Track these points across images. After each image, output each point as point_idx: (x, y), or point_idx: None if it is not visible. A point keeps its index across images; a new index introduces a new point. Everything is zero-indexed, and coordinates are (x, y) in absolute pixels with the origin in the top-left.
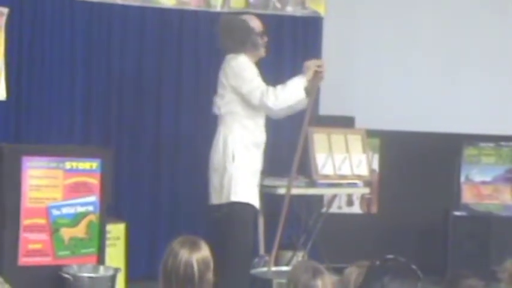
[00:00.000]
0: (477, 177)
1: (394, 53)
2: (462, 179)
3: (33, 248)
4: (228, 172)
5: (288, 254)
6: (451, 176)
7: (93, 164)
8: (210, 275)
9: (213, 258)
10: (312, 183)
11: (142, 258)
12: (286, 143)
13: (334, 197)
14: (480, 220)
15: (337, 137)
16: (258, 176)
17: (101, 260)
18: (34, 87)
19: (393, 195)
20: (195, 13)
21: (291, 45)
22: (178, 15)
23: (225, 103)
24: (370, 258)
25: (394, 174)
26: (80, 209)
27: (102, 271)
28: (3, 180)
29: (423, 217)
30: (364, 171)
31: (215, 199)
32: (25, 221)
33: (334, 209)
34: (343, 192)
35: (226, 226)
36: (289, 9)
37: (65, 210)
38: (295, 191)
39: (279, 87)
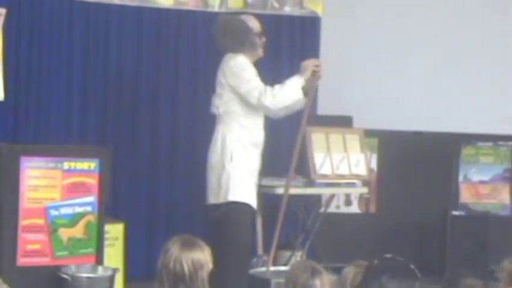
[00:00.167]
0: (475, 177)
1: (392, 52)
2: (460, 178)
3: (31, 248)
4: (226, 172)
5: (287, 253)
6: (449, 176)
7: (91, 164)
8: (202, 275)
9: (211, 259)
10: (310, 183)
11: (141, 258)
12: (284, 142)
13: (332, 196)
14: (478, 219)
15: (335, 137)
16: (256, 176)
17: (99, 260)
18: (32, 88)
19: (391, 194)
20: (192, 13)
21: (289, 45)
22: (176, 15)
23: (223, 102)
24: (368, 257)
25: (392, 174)
26: (78, 209)
27: (100, 271)
28: (1, 181)
29: (421, 216)
30: (362, 170)
31: (213, 199)
32: (23, 222)
33: (332, 209)
34: (341, 191)
35: (224, 226)
36: (287, 9)
37: (63, 211)
38: (293, 190)
39: (276, 87)
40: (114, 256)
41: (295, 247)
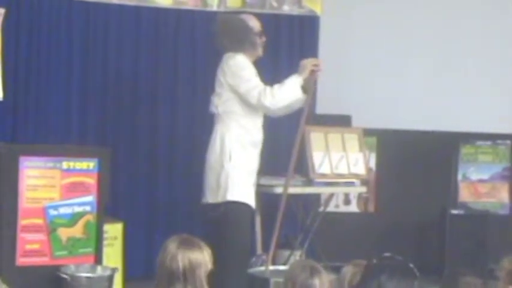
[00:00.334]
0: (474, 176)
1: (391, 52)
2: (459, 177)
3: (30, 248)
4: (225, 171)
5: (286, 253)
6: (448, 175)
7: (90, 164)
8: (200, 274)
9: (211, 259)
10: (309, 182)
11: (140, 258)
12: (283, 142)
13: (331, 195)
14: (477, 218)
15: (334, 136)
16: (254, 176)
17: (98, 259)
18: (31, 87)
19: (390, 194)
20: (191, 12)
21: (288, 44)
22: (175, 14)
23: (222, 102)
24: (367, 257)
25: (391, 173)
26: (77, 209)
27: (99, 271)
28: (0, 181)
29: (420, 215)
30: (361, 170)
31: (211, 198)
32: (22, 221)
33: (331, 208)
34: (340, 191)
35: (223, 225)
36: (286, 8)
37: (62, 210)
38: (292, 190)
39: (276, 86)
40: (113, 256)
41: (294, 246)
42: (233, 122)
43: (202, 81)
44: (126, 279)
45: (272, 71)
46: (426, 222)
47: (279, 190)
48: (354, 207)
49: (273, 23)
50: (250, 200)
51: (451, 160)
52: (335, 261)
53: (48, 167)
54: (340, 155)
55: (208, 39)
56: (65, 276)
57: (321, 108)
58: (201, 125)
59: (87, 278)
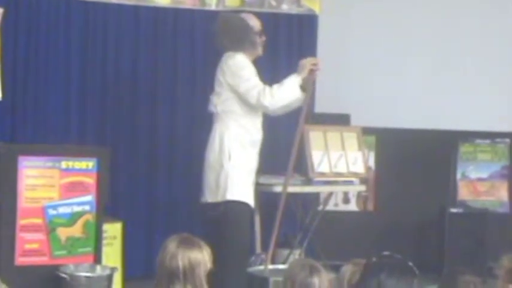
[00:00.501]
0: (473, 174)
1: (390, 50)
2: (458, 175)
3: (29, 247)
4: (225, 171)
5: (285, 252)
6: (447, 173)
7: (89, 164)
8: (199, 273)
9: (211, 258)
10: (308, 181)
11: (139, 258)
12: (282, 141)
13: (330, 194)
14: (476, 217)
15: (333, 135)
16: (254, 175)
17: (97, 259)
18: (30, 87)
19: (389, 192)
20: (190, 12)
21: (286, 43)
22: (173, 13)
23: (221, 101)
24: (367, 255)
25: (390, 172)
26: (77, 209)
27: (99, 270)
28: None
29: (420, 214)
30: (360, 168)
31: (210, 198)
32: (21, 221)
33: (330, 207)
34: (339, 189)
35: (223, 225)
36: (285, 7)
37: (61, 210)
38: (291, 188)
39: (275, 86)
40: (112, 255)
41: (294, 245)
42: (232, 122)
43: (201, 81)
44: (125, 279)
45: (271, 70)
46: (425, 220)
47: (278, 189)
48: (353, 206)
49: (272, 22)
50: (250, 199)
51: (450, 159)
52: (334, 260)
53: (47, 166)
54: (339, 153)
55: (207, 38)
56: (64, 275)
57: (320, 107)
58: (200, 125)
59: (87, 277)
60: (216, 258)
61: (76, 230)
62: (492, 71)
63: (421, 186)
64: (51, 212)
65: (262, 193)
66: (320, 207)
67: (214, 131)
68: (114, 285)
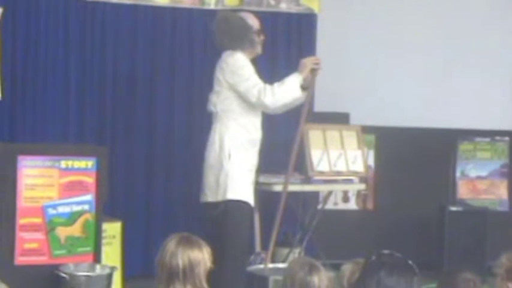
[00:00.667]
0: (473, 173)
1: (389, 49)
2: (458, 174)
3: (29, 247)
4: (225, 170)
5: (285, 250)
6: (447, 172)
7: (88, 163)
8: (199, 272)
9: (210, 257)
10: (308, 180)
11: (139, 257)
12: (281, 140)
13: (330, 193)
14: (476, 215)
15: (332, 134)
16: (253, 174)
17: (97, 258)
18: (28, 87)
19: (389, 191)
20: (188, 11)
21: (285, 42)
22: (172, 12)
23: (221, 100)
24: (366, 254)
25: (390, 170)
26: (76, 208)
27: (98, 270)
28: None
29: (419, 213)
30: (359, 167)
31: (211, 197)
32: (21, 221)
33: (330, 206)
34: (338, 188)
35: (223, 224)
36: (283, 6)
37: (60, 209)
38: (290, 187)
39: (276, 85)
40: (111, 254)
41: (293, 244)
42: (232, 121)
43: (199, 80)
44: (125, 278)
45: (270, 69)
46: (425, 219)
47: (277, 188)
48: (352, 205)
49: (271, 21)
50: (250, 198)
51: (450, 157)
52: (334, 258)
53: (47, 166)
54: (339, 152)
55: (206, 37)
56: (63, 275)
57: (319, 106)
58: (198, 124)
59: (86, 276)
60: (216, 257)
61: (75, 230)
62: (491, 69)
63: (420, 185)
64: (51, 211)
65: (262, 192)
66: (320, 206)
67: (214, 130)
68: (114, 284)
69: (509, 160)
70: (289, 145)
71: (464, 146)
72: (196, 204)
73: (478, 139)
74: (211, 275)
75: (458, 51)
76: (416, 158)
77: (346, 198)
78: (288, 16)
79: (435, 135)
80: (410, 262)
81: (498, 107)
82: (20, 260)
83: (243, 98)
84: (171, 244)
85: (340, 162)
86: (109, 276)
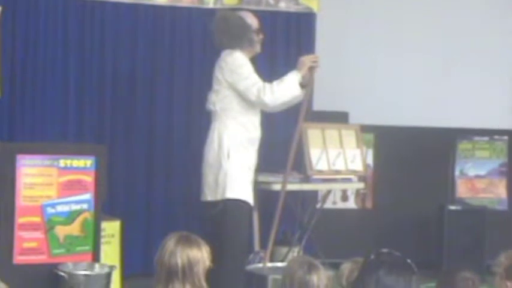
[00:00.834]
0: (471, 172)
1: (387, 48)
2: (456, 173)
3: (28, 246)
4: (224, 169)
5: (283, 249)
6: (446, 171)
7: (87, 162)
8: (198, 271)
9: (209, 256)
10: (307, 179)
11: (138, 256)
12: (280, 138)
13: (328, 192)
14: (475, 214)
15: (331, 133)
16: (252, 173)
17: (96, 257)
18: (28, 86)
19: (388, 190)
20: (188, 10)
21: (284, 41)
22: (171, 12)
23: (220, 99)
24: (365, 253)
25: (389, 169)
26: (75, 207)
27: (97, 268)
28: None
29: (418, 212)
30: (358, 166)
31: (210, 196)
32: (20, 220)
33: (328, 205)
34: (337, 187)
35: (222, 223)
36: (282, 5)
37: (59, 208)
38: (289, 186)
39: (275, 83)
40: (110, 253)
41: (292, 243)
42: (231, 120)
43: (199, 79)
44: (124, 277)
45: (269, 68)
46: (424, 218)
47: (276, 187)
48: (351, 204)
49: (270, 20)
50: (249, 197)
51: (449, 156)
52: (333, 257)
53: (46, 165)
54: (338, 151)
55: (205, 36)
56: (62, 274)
57: (318, 105)
58: (198, 123)
59: (85, 275)
60: (215, 256)
61: (74, 229)
62: (490, 68)
63: (419, 184)
64: (50, 210)
65: (260, 191)
66: (318, 205)
67: (213, 129)
68: (113, 283)
69: (508, 159)
70: (288, 144)
71: (463, 145)
72: (196, 203)
73: (476, 138)
74: (210, 274)
75: (457, 50)
76: (415, 157)
77: (345, 197)
78: (287, 15)
79: (434, 134)
80: (409, 261)
81: (497, 106)
82: (19, 259)
83: (242, 97)
84: (170, 243)
85: (339, 161)
86: (108, 275)
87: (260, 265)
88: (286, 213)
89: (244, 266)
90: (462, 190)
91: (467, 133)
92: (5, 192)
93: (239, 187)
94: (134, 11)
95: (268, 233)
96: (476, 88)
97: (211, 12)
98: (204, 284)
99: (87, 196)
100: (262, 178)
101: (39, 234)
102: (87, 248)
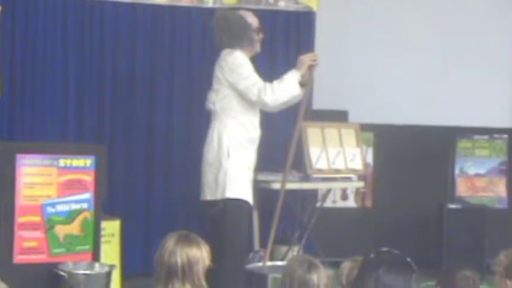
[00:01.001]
0: (471, 170)
1: (387, 47)
2: (456, 172)
3: (28, 245)
4: (223, 168)
5: (283, 248)
6: (445, 169)
7: (87, 161)
8: (198, 270)
9: (209, 256)
10: (306, 178)
11: (137, 255)
12: (280, 137)
13: (328, 191)
14: (475, 213)
15: (331, 131)
16: (252, 172)
17: (96, 256)
18: (27, 85)
19: (388, 188)
20: (187, 9)
21: (284, 40)
22: (171, 11)
23: (220, 99)
24: (365, 252)
25: (389, 168)
26: (75, 206)
27: (97, 268)
28: None
29: (418, 210)
30: (358, 165)
31: (210, 195)
32: (20, 219)
33: (328, 203)
34: (337, 186)
35: (222, 222)
36: (282, 4)
37: (59, 208)
38: (289, 185)
39: (275, 83)
40: (110, 253)
41: (292, 242)
42: (230, 119)
43: (198, 78)
44: (124, 276)
45: (269, 67)
46: (424, 216)
47: (276, 186)
48: (351, 203)
49: (269, 19)
50: (249, 196)
51: (448, 155)
52: (333, 256)
53: (45, 164)
54: (337, 150)
55: (204, 35)
56: (62, 273)
57: (318, 104)
58: (197, 122)
59: (85, 275)
60: (215, 255)
61: (74, 228)
62: (490, 67)
63: (419, 183)
64: (50, 210)
65: (260, 190)
66: (318, 204)
67: (213, 129)
68: (113, 282)
69: (508, 158)
70: (288, 143)
71: (463, 144)
72: (196, 203)
73: (476, 137)
74: (210, 273)
75: (457, 49)
76: (415, 156)
77: (344, 196)
78: (287, 14)
79: (434, 132)
80: (408, 260)
81: (497, 105)
82: (19, 258)
83: (242, 96)
84: (170, 242)
85: (338, 160)
86: (108, 275)
87: (260, 264)
88: (286, 212)
89: (244, 265)
90: (462, 189)
91: (467, 132)
92: (5, 192)
93: (239, 187)
94: (133, 11)
95: (268, 232)
96: (476, 87)
97: (211, 11)
98: (203, 283)
99: (87, 196)
100: (262, 177)
101: (39, 234)
102: (87, 247)
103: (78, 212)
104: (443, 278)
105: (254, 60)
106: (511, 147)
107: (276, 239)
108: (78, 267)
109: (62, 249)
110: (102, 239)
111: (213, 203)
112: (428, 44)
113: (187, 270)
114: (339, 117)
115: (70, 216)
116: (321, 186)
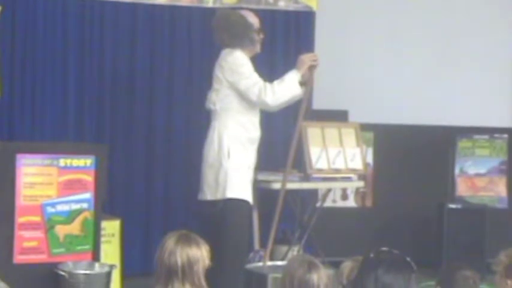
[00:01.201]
0: (471, 170)
1: (387, 46)
2: (456, 171)
3: (28, 245)
4: (224, 168)
5: (283, 248)
6: (446, 169)
7: (87, 161)
8: (198, 270)
9: (209, 255)
10: (306, 178)
11: (137, 255)
12: (280, 137)
13: (328, 191)
14: (475, 212)
15: (331, 131)
16: (252, 172)
17: (96, 256)
18: (27, 85)
19: (388, 188)
20: (187, 9)
21: (284, 40)
22: (170, 11)
23: (220, 98)
24: (365, 251)
25: (389, 168)
26: (75, 206)
27: (97, 268)
28: None
29: (418, 210)
30: (358, 164)
31: (210, 195)
32: (20, 219)
33: (328, 203)
34: (337, 186)
35: (222, 222)
36: (282, 4)
37: (59, 208)
38: (289, 185)
39: (275, 83)
40: (110, 252)
41: (292, 242)
42: (230, 119)
43: (198, 78)
44: (124, 276)
45: (268, 67)
46: (424, 216)
47: (276, 186)
48: (351, 202)
49: (269, 19)
50: (249, 196)
51: (448, 154)
52: (333, 256)
53: (45, 164)
54: (337, 150)
55: (204, 35)
56: (62, 273)
57: (318, 104)
58: (197, 122)
59: (85, 275)
60: (215, 255)
61: (74, 228)
62: (490, 66)
63: (419, 182)
64: (50, 209)
65: (260, 190)
66: (318, 204)
67: (213, 129)
68: (113, 282)
69: (508, 157)
70: (288, 142)
71: (463, 143)
72: (196, 202)
73: (476, 136)
74: (210, 273)
75: (457, 49)
76: (415, 156)
77: (344, 196)
78: (286, 14)
79: (434, 132)
80: (408, 259)
81: (497, 105)
82: (19, 258)
83: (243, 96)
84: (169, 242)
85: (338, 160)
86: (108, 275)
87: (260, 264)
88: (286, 212)
89: (244, 265)
90: (462, 188)
91: (467, 131)
92: (5, 192)
93: (239, 187)
94: (134, 10)
95: (268, 232)
96: (476, 87)
97: (211, 11)
98: (203, 283)
99: (87, 195)
100: (262, 177)
101: (39, 234)
102: (87, 247)
103: (78, 211)
104: (443, 278)
105: (254, 60)
106: (511, 147)
107: (276, 238)
108: (78, 267)
109: (62, 249)
110: (102, 239)
111: (213, 203)
112: (428, 44)
113: (187, 270)
114: (339, 117)
115: (70, 216)
116: (321, 186)
